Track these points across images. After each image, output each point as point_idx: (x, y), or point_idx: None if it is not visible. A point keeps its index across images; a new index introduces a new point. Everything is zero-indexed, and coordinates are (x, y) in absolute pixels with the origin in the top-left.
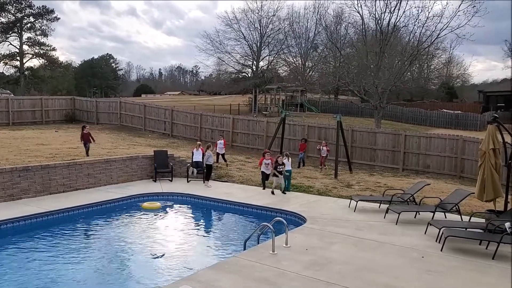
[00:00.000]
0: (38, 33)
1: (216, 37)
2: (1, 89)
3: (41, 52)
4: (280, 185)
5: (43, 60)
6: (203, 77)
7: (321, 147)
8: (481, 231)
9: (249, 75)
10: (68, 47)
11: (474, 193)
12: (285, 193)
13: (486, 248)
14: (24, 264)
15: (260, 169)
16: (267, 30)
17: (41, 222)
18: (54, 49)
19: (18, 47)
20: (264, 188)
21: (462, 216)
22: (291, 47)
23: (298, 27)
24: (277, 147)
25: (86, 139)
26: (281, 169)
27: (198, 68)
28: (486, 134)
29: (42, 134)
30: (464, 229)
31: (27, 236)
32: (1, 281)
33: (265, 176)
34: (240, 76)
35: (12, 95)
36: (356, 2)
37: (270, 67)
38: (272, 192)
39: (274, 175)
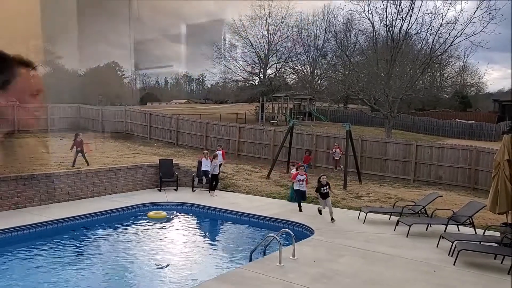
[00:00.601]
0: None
1: (223, 44)
2: None
3: (47, 60)
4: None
5: (49, 68)
6: (209, 85)
7: (334, 149)
8: (496, 245)
9: (256, 83)
10: (74, 54)
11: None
12: (333, 221)
13: (502, 263)
14: (28, 272)
15: (294, 186)
16: (275, 38)
17: (45, 230)
18: (60, 57)
19: None
20: (300, 210)
21: (476, 229)
22: (299, 54)
23: (307, 34)
24: (285, 157)
25: (79, 147)
26: (326, 190)
27: (205, 76)
28: (501, 145)
29: (48, 142)
30: (478, 242)
31: (32, 245)
32: None
33: (300, 195)
34: (247, 84)
35: (18, 102)
36: (366, 8)
37: (277, 75)
38: (319, 212)
39: (322, 196)
